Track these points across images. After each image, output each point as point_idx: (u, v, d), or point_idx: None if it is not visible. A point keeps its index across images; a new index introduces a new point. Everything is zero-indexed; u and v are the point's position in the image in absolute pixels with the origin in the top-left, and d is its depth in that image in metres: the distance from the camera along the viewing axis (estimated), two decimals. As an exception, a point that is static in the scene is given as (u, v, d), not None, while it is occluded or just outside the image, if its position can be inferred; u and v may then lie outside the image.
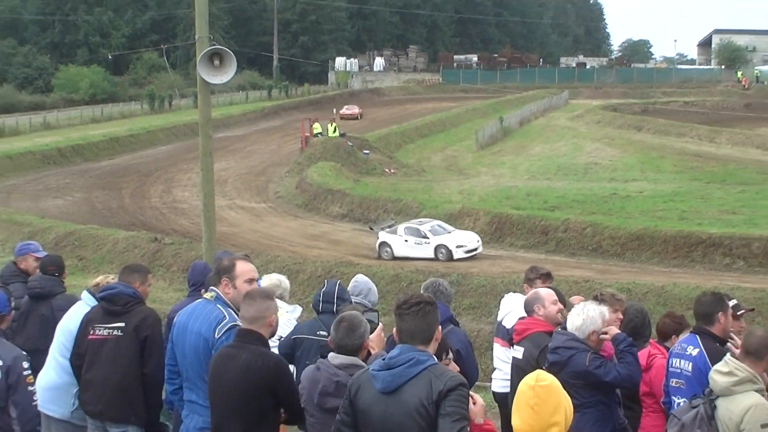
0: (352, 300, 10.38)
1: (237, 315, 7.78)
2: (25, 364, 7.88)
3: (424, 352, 6.33)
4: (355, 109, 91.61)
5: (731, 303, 9.33)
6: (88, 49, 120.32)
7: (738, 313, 9.67)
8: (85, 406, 9.40)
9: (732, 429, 7.91)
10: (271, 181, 59.97)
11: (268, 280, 11.13)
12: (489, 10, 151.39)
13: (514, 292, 11.48)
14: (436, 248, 39.71)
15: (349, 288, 10.94)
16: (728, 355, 8.23)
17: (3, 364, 7.67)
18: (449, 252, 39.33)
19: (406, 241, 40.28)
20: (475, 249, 39.65)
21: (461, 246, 39.58)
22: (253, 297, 7.63)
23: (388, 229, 41.28)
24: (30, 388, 7.84)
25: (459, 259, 38.45)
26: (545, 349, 8.89)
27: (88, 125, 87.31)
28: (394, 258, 39.44)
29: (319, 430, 7.16)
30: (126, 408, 9.20)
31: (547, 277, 11.29)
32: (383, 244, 40.75)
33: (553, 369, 8.11)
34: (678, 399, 8.79)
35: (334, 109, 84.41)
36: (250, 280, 8.39)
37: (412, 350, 6.32)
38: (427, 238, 40.09)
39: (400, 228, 40.91)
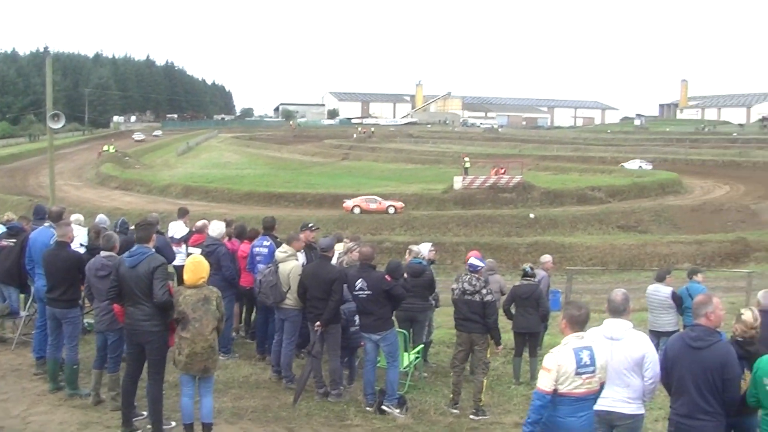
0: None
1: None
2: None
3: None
4: (142, 136, 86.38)
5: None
6: (2, 113, 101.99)
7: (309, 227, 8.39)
8: None
9: (284, 276, 7.10)
10: (85, 172, 56.02)
11: (76, 217, 8.91)
12: (180, 90, 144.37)
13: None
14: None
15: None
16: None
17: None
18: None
19: None
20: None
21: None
22: (61, 225, 6.82)
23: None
24: None
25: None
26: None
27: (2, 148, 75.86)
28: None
29: None
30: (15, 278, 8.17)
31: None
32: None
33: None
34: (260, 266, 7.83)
35: (112, 139, 77.28)
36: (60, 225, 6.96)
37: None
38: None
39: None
